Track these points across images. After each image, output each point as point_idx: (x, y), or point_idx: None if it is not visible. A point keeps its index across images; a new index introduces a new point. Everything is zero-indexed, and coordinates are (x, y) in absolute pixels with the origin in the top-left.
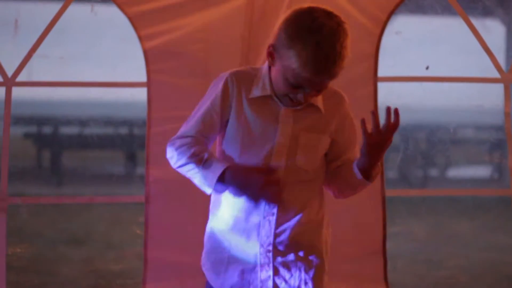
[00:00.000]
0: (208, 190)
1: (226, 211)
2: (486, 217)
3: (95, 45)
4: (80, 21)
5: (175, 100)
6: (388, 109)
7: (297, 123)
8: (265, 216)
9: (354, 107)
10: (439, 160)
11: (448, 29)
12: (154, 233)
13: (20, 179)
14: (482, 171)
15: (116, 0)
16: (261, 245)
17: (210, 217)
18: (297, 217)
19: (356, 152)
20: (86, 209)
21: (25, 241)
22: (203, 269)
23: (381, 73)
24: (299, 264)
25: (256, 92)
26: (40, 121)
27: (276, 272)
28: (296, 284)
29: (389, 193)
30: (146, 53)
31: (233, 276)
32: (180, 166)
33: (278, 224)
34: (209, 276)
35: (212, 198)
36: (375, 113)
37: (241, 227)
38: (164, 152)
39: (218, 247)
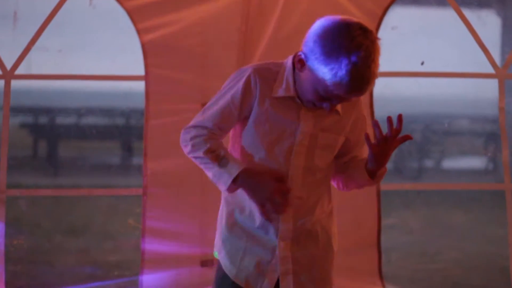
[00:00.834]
0: (222, 188)
1: (247, 203)
2: (480, 210)
3: (94, 38)
4: (79, 14)
5: (173, 94)
6: (389, 119)
7: (317, 123)
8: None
9: None
10: (434, 151)
11: (444, 22)
12: (151, 225)
13: (17, 169)
14: (476, 162)
15: None
16: (280, 238)
17: (228, 206)
18: (313, 211)
19: (364, 150)
20: (84, 200)
21: (22, 232)
22: (218, 256)
23: None
24: (316, 257)
25: (280, 92)
26: (37, 111)
27: (294, 264)
28: (314, 276)
29: (385, 187)
30: (144, 46)
31: (249, 267)
32: (194, 157)
33: (295, 219)
34: (224, 263)
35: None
36: (377, 124)
37: (260, 220)
38: (161, 145)
39: (235, 236)
